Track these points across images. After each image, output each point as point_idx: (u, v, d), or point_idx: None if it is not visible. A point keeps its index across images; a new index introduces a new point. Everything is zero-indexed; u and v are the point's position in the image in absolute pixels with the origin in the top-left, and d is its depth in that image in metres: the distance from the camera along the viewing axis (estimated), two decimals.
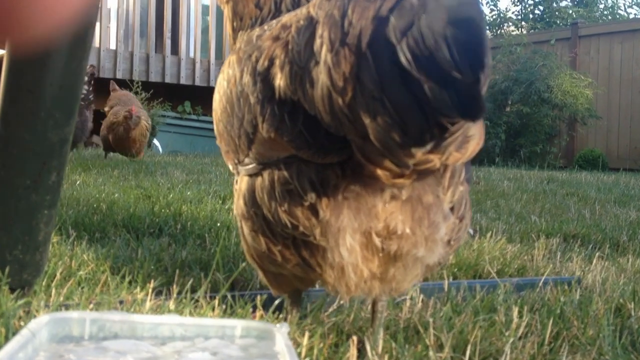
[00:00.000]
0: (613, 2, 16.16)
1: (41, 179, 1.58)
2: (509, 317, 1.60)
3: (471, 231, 3.00)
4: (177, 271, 1.94)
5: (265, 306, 1.60)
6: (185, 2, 10.34)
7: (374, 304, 1.49)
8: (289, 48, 1.16)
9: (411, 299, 1.79)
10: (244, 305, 1.59)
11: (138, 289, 1.70)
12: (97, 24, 9.72)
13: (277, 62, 1.19)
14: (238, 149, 1.33)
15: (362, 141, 1.07)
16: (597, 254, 2.57)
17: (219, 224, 2.85)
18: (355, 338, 1.42)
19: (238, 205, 1.36)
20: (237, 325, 1.28)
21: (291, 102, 1.16)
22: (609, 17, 15.45)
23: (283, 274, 1.40)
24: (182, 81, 10.09)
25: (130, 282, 1.77)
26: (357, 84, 1.01)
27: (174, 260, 2.19)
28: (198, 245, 2.49)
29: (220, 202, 3.74)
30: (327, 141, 1.15)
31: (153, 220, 2.89)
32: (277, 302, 1.57)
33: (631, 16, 16.01)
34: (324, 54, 1.06)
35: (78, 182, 4.46)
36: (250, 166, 1.31)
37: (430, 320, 1.51)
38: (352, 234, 1.21)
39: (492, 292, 1.89)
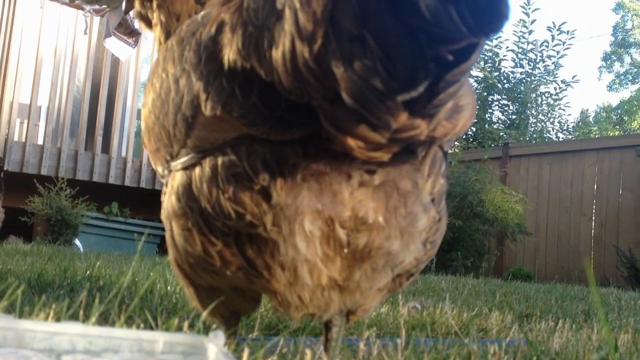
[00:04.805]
0: (542, 126, 17.01)
1: None
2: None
3: (418, 306, 2.79)
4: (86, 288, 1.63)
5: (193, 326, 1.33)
6: (120, 102, 10.24)
7: (327, 330, 1.26)
8: (244, 7, 1.00)
9: (365, 343, 1.55)
10: (166, 321, 1.31)
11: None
12: (25, 121, 9.51)
13: (227, 27, 1.03)
14: (172, 139, 1.15)
15: (331, 105, 0.88)
16: (559, 323, 2.39)
17: (139, 288, 2.56)
18: None
19: (169, 204, 1.16)
20: (157, 338, 0.99)
21: (242, 72, 0.99)
22: (539, 140, 16.18)
23: (219, 288, 1.18)
24: (111, 180, 9.78)
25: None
26: (330, 26, 0.83)
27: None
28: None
29: (145, 277, 3.43)
30: (287, 113, 0.97)
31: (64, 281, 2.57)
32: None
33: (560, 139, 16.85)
34: None
35: None
36: (186, 158, 1.11)
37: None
38: (312, 219, 1.00)
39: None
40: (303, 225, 1.00)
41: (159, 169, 1.25)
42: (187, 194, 1.10)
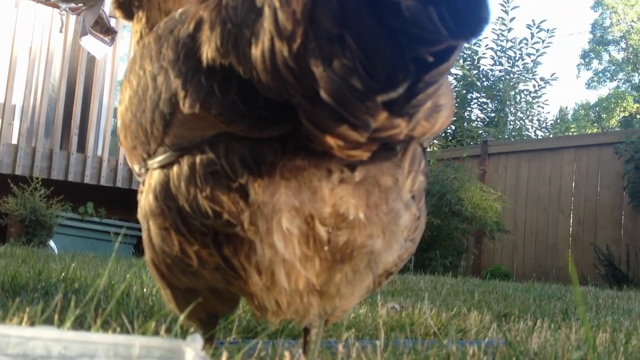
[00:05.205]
0: (521, 124, 17.13)
1: None
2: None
3: (397, 306, 2.77)
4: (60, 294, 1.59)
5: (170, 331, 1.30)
6: (96, 101, 10.13)
7: (306, 333, 1.26)
8: (222, 5, 0.99)
9: (344, 346, 1.53)
10: (143, 325, 1.27)
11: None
12: None
13: (206, 25, 1.02)
14: (149, 137, 1.13)
15: (310, 103, 0.88)
16: (538, 322, 2.38)
17: (115, 291, 2.52)
18: None
19: (146, 203, 1.14)
20: (134, 343, 0.98)
21: (221, 70, 0.98)
22: (517, 138, 16.29)
23: (196, 289, 1.17)
24: (87, 180, 9.66)
25: None
26: (309, 26, 0.83)
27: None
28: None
29: (121, 279, 3.38)
30: (266, 111, 0.96)
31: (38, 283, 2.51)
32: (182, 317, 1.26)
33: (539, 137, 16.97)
34: None
35: None
36: (164, 156, 1.10)
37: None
38: (290, 217, 0.99)
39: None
40: (280, 223, 0.98)
41: (136, 168, 1.23)
42: (165, 192, 1.09)
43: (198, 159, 1.04)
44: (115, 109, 10.66)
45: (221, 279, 1.09)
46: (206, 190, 1.02)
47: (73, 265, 4.01)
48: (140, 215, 1.18)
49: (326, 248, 1.00)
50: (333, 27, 0.81)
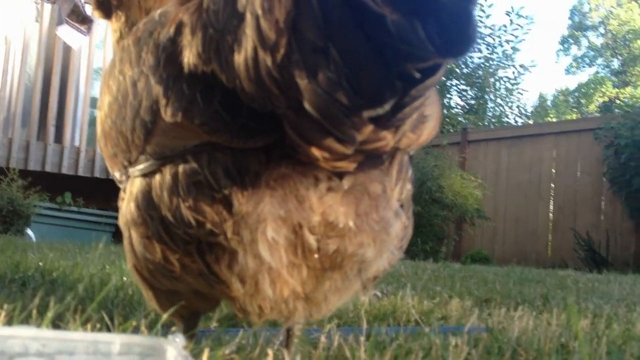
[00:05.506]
0: (501, 111, 17.22)
1: None
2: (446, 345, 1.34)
3: (379, 294, 2.75)
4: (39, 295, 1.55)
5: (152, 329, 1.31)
6: (73, 92, 10.00)
7: (289, 327, 1.27)
8: (203, 8, 0.95)
9: (327, 336, 1.51)
10: (123, 322, 1.25)
11: None
12: None
13: (187, 29, 0.98)
14: (130, 145, 1.11)
15: (295, 114, 0.85)
16: (519, 308, 2.38)
17: (94, 281, 2.47)
18: None
19: (127, 211, 1.12)
20: (114, 340, 0.97)
21: (204, 77, 0.95)
22: (497, 124, 16.38)
23: (179, 291, 1.15)
24: (64, 170, 9.56)
25: None
26: (293, 36, 0.80)
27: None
28: (70, 297, 2.13)
29: (99, 268, 3.34)
30: (250, 121, 0.93)
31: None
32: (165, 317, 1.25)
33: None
34: (252, 3, 0.85)
35: None
36: (146, 164, 1.08)
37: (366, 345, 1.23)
38: (276, 227, 0.97)
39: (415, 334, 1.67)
40: (265, 233, 0.96)
41: (117, 175, 1.20)
42: (147, 201, 1.06)
43: (181, 168, 1.02)
44: (92, 99, 10.54)
45: (204, 284, 1.08)
46: (189, 201, 1.00)
47: (51, 255, 3.96)
48: (121, 222, 1.16)
49: (316, 256, 0.99)
50: (317, 39, 0.78)
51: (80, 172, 9.72)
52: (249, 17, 0.84)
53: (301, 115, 0.84)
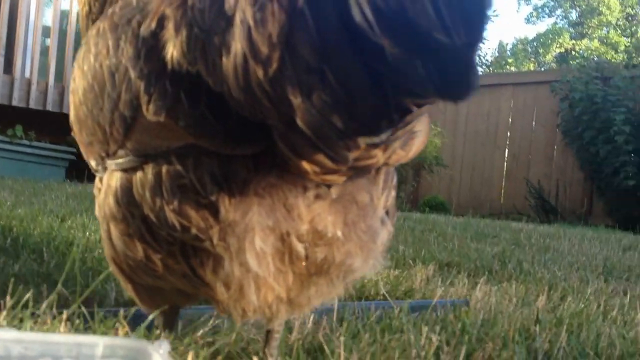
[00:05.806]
0: None
1: None
2: (418, 337, 1.34)
3: None
4: (11, 284, 1.48)
5: (132, 325, 1.30)
6: (23, 20, 9.58)
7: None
8: (188, 5, 0.89)
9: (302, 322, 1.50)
10: (103, 319, 1.23)
11: None
12: None
13: (170, 24, 0.92)
14: (108, 138, 1.04)
15: (287, 128, 0.82)
16: (480, 280, 2.42)
17: (57, 241, 2.46)
18: None
19: (105, 204, 1.06)
20: (98, 342, 0.96)
21: (188, 77, 0.89)
22: None
23: (161, 287, 1.12)
24: (15, 102, 9.25)
25: None
26: (287, 52, 0.76)
27: (4, 273, 1.80)
28: (34, 260, 2.11)
29: (59, 220, 3.31)
30: (239, 127, 0.89)
31: None
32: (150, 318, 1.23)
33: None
34: (243, 10, 0.80)
35: None
36: (125, 159, 1.02)
37: (341, 339, 1.22)
38: (264, 236, 0.94)
39: (387, 314, 1.68)
40: (253, 242, 0.94)
41: (92, 163, 1.14)
42: (128, 198, 1.01)
43: (164, 169, 0.97)
44: (44, 28, 10.15)
45: (188, 285, 1.05)
46: (173, 203, 0.96)
47: (8, 203, 3.87)
48: (99, 215, 1.11)
49: (303, 264, 0.98)
50: (312, 59, 0.75)
51: (32, 105, 9.43)
52: (239, 25, 0.80)
53: (293, 130, 0.81)
